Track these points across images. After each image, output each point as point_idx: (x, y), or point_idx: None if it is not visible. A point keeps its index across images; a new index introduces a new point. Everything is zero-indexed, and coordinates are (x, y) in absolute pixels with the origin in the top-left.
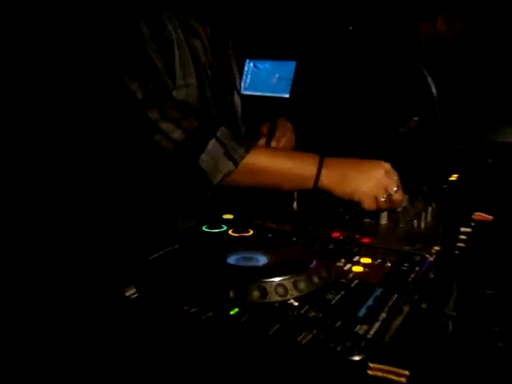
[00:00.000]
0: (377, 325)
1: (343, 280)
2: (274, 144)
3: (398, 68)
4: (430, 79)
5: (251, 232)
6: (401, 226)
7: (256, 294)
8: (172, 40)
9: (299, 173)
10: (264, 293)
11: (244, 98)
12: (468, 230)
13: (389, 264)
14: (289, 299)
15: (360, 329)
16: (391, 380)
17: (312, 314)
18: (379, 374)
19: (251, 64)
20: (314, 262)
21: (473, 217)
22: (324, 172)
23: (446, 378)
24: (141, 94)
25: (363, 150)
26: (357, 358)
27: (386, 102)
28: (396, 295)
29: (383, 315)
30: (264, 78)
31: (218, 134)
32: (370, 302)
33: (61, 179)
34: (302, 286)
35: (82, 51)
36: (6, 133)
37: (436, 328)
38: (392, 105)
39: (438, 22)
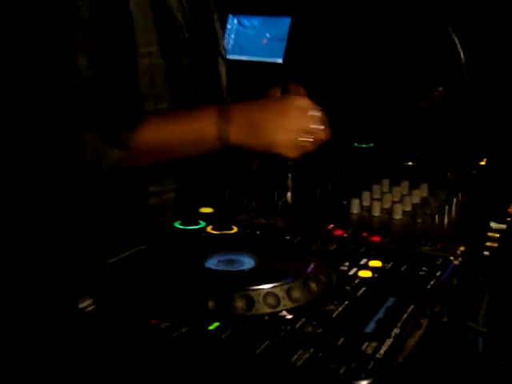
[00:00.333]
0: (388, 342)
1: (347, 287)
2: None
3: (417, 27)
4: (457, 42)
5: (235, 229)
6: (419, 221)
7: (241, 304)
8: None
9: (199, 135)
10: (250, 303)
11: (227, 63)
12: (502, 226)
13: (403, 268)
14: (281, 311)
15: (368, 347)
16: None
17: (309, 328)
18: None
19: (235, 21)
20: (312, 266)
21: (509, 210)
22: (227, 125)
23: None
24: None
25: (376, 130)
26: (364, 382)
27: (402, 69)
28: (412, 306)
29: (396, 331)
30: (251, 39)
31: (95, 123)
32: (380, 315)
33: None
34: (296, 294)
35: None
36: None
37: (462, 347)
38: (411, 73)
39: None
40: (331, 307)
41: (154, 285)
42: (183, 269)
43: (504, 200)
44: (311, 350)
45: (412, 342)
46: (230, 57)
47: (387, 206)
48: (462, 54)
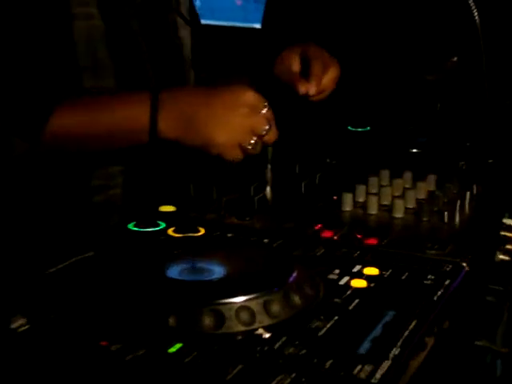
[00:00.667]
0: (386, 365)
1: (337, 300)
2: (315, 88)
3: None
4: (471, 3)
5: (202, 231)
6: (424, 220)
7: (208, 321)
8: None
9: (125, 125)
10: (220, 319)
11: (195, 29)
12: None
13: (405, 276)
14: (257, 328)
15: (361, 371)
16: None
17: (291, 349)
18: None
19: None
20: (295, 274)
21: None
22: (161, 116)
23: None
24: None
25: (374, 110)
26: None
27: (406, 35)
28: (415, 322)
29: (395, 351)
30: (223, 0)
31: None
32: (376, 332)
33: None
34: (276, 308)
35: None
36: None
37: (477, 370)
38: (416, 40)
39: None
40: (317, 323)
41: (102, 299)
42: (139, 279)
43: None
44: (293, 375)
45: (415, 364)
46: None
47: (386, 202)
48: (476, 16)
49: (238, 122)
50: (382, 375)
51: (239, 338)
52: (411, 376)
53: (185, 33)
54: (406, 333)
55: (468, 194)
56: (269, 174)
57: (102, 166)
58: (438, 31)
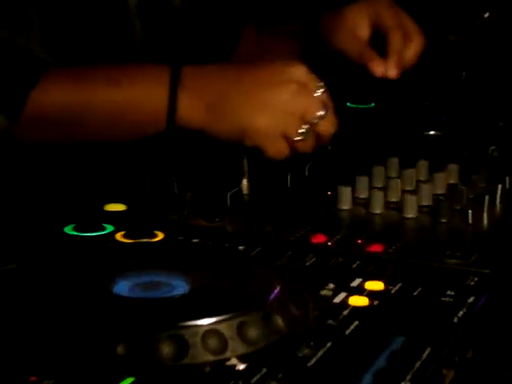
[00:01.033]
0: None
1: (331, 322)
2: (396, 70)
3: None
4: None
5: (160, 236)
6: (443, 221)
7: (168, 349)
8: None
9: (136, 109)
10: (183, 347)
11: None
12: None
13: (417, 292)
14: (229, 358)
15: None
16: None
17: None
18: None
19: None
20: (277, 290)
21: None
22: (183, 96)
23: None
24: None
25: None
26: None
27: None
28: (429, 350)
29: None
30: None
31: None
32: (380, 363)
33: None
34: (252, 333)
35: None
36: None
37: None
38: None
39: None
40: (306, 352)
41: (31, 323)
42: (78, 298)
43: None
44: None
45: None
46: None
47: (395, 198)
48: None
49: (283, 101)
50: None
51: (207, 370)
52: None
53: None
54: (418, 364)
55: (499, 187)
56: (245, 164)
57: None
58: None
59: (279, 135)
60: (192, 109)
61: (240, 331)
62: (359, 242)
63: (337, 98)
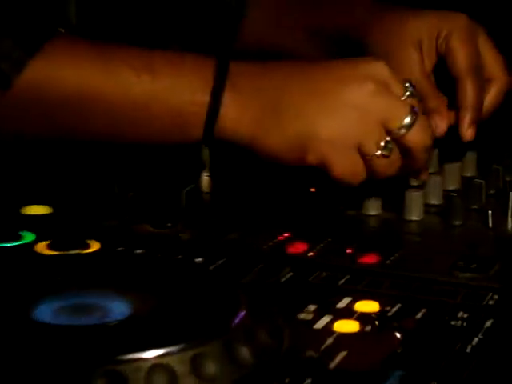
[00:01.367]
0: None
1: (312, 353)
2: (469, 127)
3: None
4: None
5: (95, 246)
6: (456, 223)
7: None
8: None
9: (166, 107)
10: None
11: None
12: None
13: (421, 315)
14: None
15: None
16: None
17: None
18: None
19: None
20: (242, 314)
21: None
22: (229, 98)
23: None
24: None
25: None
26: None
27: None
28: None
29: None
30: None
31: None
32: None
33: None
34: (210, 368)
35: None
36: None
37: None
38: None
39: None
40: None
41: None
42: None
43: None
44: None
45: None
46: None
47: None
48: None
49: (359, 104)
50: None
51: None
52: None
53: None
54: None
55: None
56: (206, 155)
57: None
58: None
59: (352, 148)
60: (240, 116)
61: (194, 366)
62: (348, 251)
63: None
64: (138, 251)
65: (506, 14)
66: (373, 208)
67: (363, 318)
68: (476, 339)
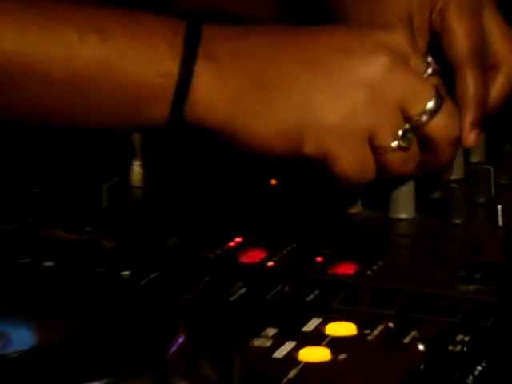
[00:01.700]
0: None
1: None
2: (472, 130)
3: None
4: None
5: None
6: (456, 221)
7: None
8: None
9: (119, 77)
10: None
11: None
12: None
13: (408, 339)
14: None
15: None
16: None
17: None
18: None
19: None
20: (180, 341)
21: None
22: (202, 69)
23: None
24: None
25: None
26: None
27: None
28: None
29: None
30: None
31: None
32: None
33: None
34: None
35: None
36: None
37: None
38: None
39: None
40: None
41: None
42: None
43: None
44: None
45: None
46: None
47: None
48: None
49: (371, 81)
50: None
51: None
52: None
53: None
54: None
55: None
56: (136, 136)
57: None
58: None
59: (361, 138)
60: (217, 91)
61: None
62: (319, 259)
63: None
64: (48, 263)
65: None
66: (353, 206)
67: (336, 344)
68: (478, 368)
